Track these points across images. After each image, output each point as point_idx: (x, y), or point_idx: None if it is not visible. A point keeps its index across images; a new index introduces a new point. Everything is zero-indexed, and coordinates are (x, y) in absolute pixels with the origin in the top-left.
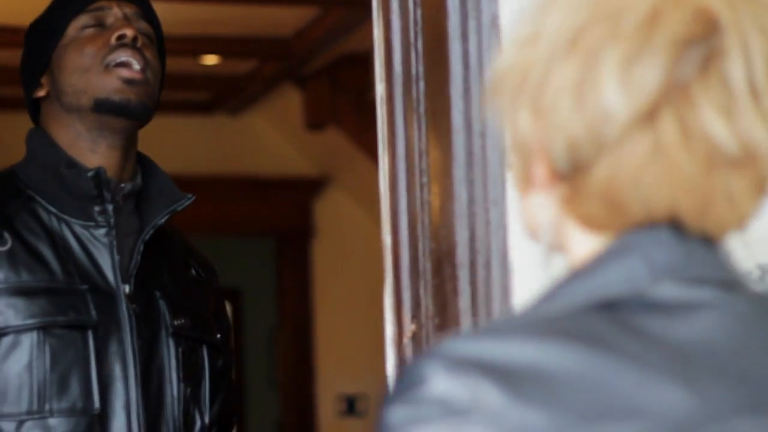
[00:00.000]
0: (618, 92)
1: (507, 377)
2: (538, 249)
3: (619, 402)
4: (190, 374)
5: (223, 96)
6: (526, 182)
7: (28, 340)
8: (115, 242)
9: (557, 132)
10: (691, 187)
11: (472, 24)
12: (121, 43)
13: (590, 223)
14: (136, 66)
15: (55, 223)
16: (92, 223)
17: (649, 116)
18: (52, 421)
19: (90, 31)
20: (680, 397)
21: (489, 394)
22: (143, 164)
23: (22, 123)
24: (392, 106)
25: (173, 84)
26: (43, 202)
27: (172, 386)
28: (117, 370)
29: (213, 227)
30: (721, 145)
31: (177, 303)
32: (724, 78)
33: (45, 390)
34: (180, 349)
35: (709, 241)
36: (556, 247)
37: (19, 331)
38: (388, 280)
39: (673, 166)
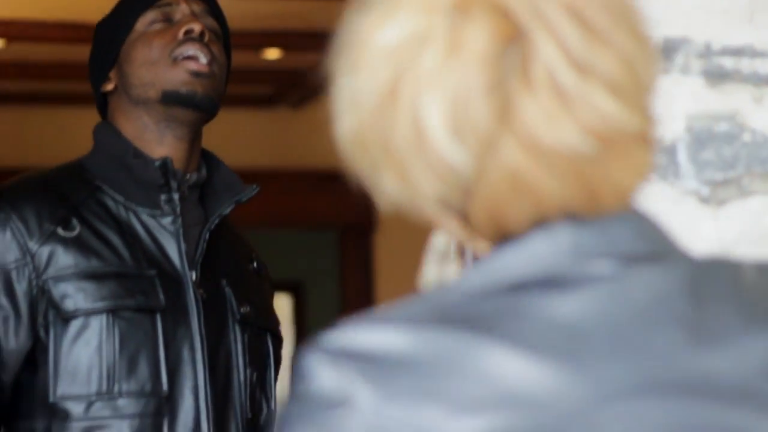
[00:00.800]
0: (451, 140)
1: (381, 370)
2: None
3: (500, 390)
4: (255, 360)
5: (285, 90)
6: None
7: (98, 322)
8: (181, 230)
9: (420, 193)
10: (565, 191)
11: None
12: (189, 38)
13: (489, 235)
14: (203, 59)
15: (122, 211)
16: (159, 212)
17: (491, 147)
18: (121, 402)
19: (158, 26)
20: (568, 380)
21: (362, 389)
22: (206, 159)
23: (90, 117)
24: None
25: (235, 78)
26: (111, 192)
27: (239, 371)
28: (185, 354)
29: (275, 220)
30: (568, 146)
31: (241, 292)
32: (545, 73)
33: (114, 372)
34: (246, 336)
35: (621, 216)
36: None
37: (89, 313)
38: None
39: (537, 185)
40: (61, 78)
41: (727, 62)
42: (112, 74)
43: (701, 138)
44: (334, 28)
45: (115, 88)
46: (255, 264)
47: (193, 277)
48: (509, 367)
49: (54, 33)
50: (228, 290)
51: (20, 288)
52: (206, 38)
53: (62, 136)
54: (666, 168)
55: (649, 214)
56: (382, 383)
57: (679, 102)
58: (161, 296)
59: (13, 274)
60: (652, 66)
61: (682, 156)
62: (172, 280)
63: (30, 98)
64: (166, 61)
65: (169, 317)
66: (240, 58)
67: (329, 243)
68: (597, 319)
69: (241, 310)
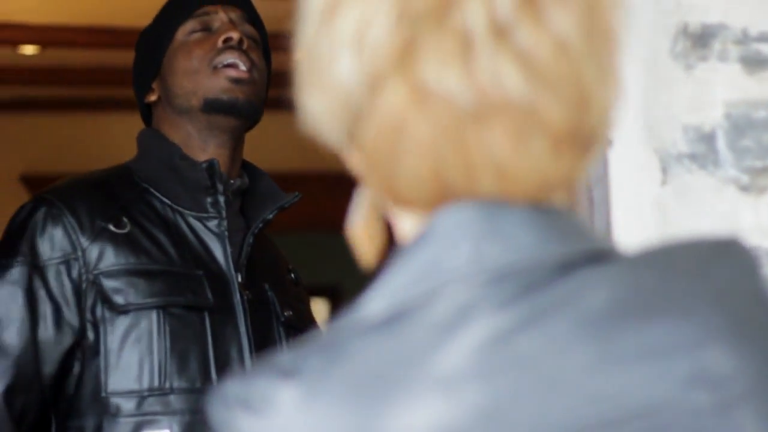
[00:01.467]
0: (351, 62)
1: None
2: (642, 227)
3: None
4: None
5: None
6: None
7: (149, 318)
8: (226, 232)
9: (321, 107)
10: (441, 151)
11: None
12: (228, 46)
13: (393, 198)
14: (243, 67)
15: (169, 213)
16: (205, 214)
17: (383, 82)
18: (173, 398)
19: (197, 35)
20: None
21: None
22: (247, 168)
23: (127, 122)
24: None
25: (272, 81)
26: (158, 194)
27: None
28: (233, 353)
29: (311, 224)
30: (454, 99)
31: (283, 297)
32: (461, 23)
33: (166, 367)
34: (289, 339)
35: (539, 212)
36: (368, 236)
37: (140, 309)
38: None
39: (412, 132)
40: (96, 83)
41: (765, 48)
42: (155, 85)
43: (740, 125)
44: None
45: (159, 98)
46: (292, 275)
47: (239, 279)
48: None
49: (86, 38)
50: (271, 294)
51: (68, 282)
52: (245, 45)
53: (99, 141)
54: (705, 156)
55: (561, 209)
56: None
57: (718, 89)
58: (209, 295)
59: (62, 268)
60: (600, 71)
61: (721, 144)
62: (219, 280)
63: (65, 104)
64: (207, 70)
65: (217, 316)
66: (277, 61)
67: None
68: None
69: (285, 313)
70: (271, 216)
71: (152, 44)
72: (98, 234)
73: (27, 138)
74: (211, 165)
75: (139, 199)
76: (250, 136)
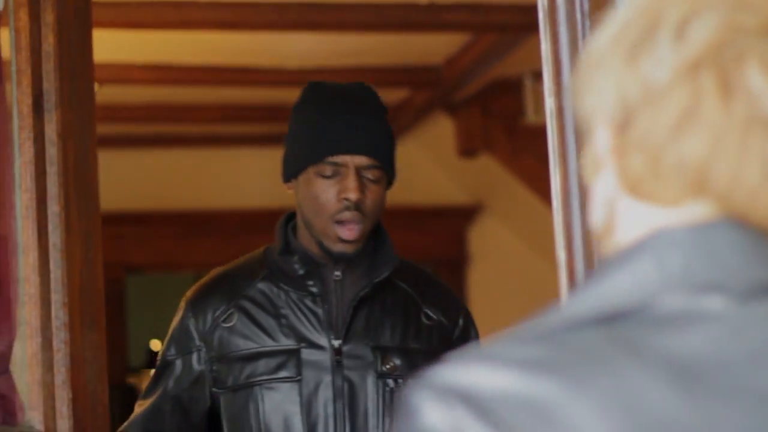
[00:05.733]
0: (669, 45)
1: (488, 410)
2: None
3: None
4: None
5: None
6: (595, 163)
7: (254, 392)
8: (326, 307)
9: (609, 80)
10: (723, 146)
11: None
12: (346, 205)
13: (635, 187)
14: (356, 227)
15: (278, 294)
16: (306, 294)
17: (693, 69)
18: None
19: (323, 181)
20: (680, 418)
21: (470, 428)
22: (377, 232)
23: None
24: (562, 120)
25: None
26: (272, 277)
27: (377, 419)
28: (327, 410)
29: None
30: (760, 103)
31: (392, 349)
32: (747, 94)
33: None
34: (387, 389)
35: (749, 234)
36: (608, 230)
37: (248, 386)
38: (564, 296)
39: (706, 121)
40: (154, 120)
41: None
42: (291, 185)
43: None
44: (415, 63)
45: (295, 195)
46: (424, 317)
47: (336, 346)
48: (626, 408)
49: (144, 75)
50: (372, 351)
51: (199, 365)
52: (362, 204)
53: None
54: None
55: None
56: (493, 424)
57: None
58: (304, 367)
59: (194, 356)
60: None
61: None
62: (316, 349)
63: (133, 141)
64: (324, 217)
65: (311, 383)
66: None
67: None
68: (711, 359)
69: (385, 367)
70: (363, 293)
71: (291, 156)
72: (215, 328)
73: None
74: (301, 258)
75: (253, 286)
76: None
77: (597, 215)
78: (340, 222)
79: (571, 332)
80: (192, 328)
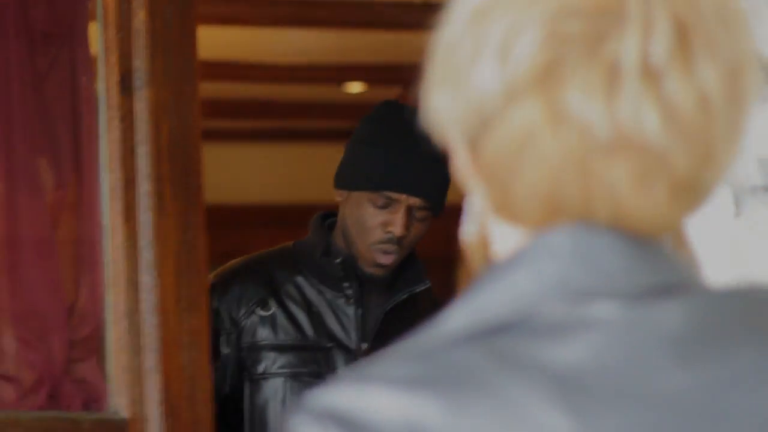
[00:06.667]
0: (495, 71)
1: None
2: (716, 259)
3: None
4: None
5: None
6: (463, 177)
7: (282, 384)
8: (360, 311)
9: (449, 104)
10: (566, 175)
11: None
12: (389, 238)
13: (495, 211)
14: (394, 256)
15: (313, 292)
16: (341, 295)
17: (521, 96)
18: None
19: (374, 210)
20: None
21: None
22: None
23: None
24: None
25: (318, 112)
26: (307, 275)
27: None
28: None
29: None
30: (590, 128)
31: None
32: (613, 56)
33: None
34: None
35: (626, 238)
36: (480, 244)
37: (275, 376)
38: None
39: (538, 150)
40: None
41: None
42: (341, 194)
43: None
44: (418, 61)
45: (342, 202)
46: None
47: (364, 347)
48: (508, 428)
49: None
50: None
51: (227, 349)
52: (404, 240)
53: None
54: None
55: (655, 239)
56: None
57: None
58: (335, 364)
59: (222, 338)
60: (732, 125)
61: None
62: (346, 350)
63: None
64: (365, 240)
65: None
66: (322, 92)
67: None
68: (594, 368)
69: None
70: (401, 298)
71: (347, 171)
72: (249, 314)
73: None
74: (343, 261)
75: (289, 280)
76: (305, 167)
77: (469, 229)
78: (378, 250)
79: (449, 349)
80: (223, 310)
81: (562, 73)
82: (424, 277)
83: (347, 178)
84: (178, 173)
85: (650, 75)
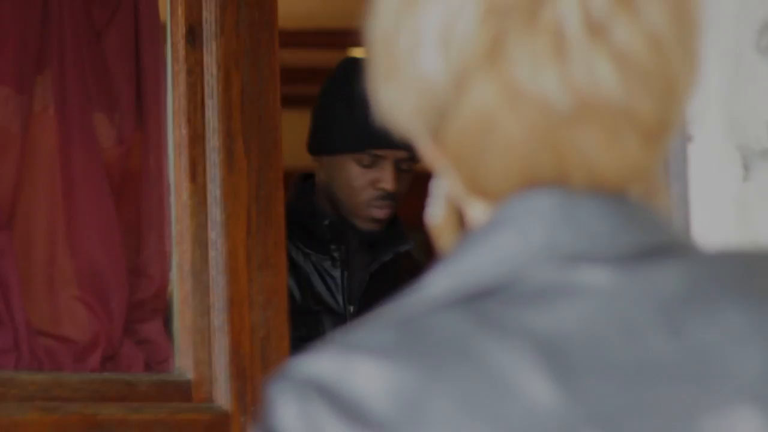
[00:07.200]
0: (436, 58)
1: (346, 402)
2: (723, 223)
3: (469, 426)
4: None
5: None
6: (428, 161)
7: None
8: (346, 273)
9: (400, 101)
10: (531, 150)
11: None
12: (381, 194)
13: (469, 192)
14: (390, 210)
15: (300, 256)
16: (327, 257)
17: (470, 80)
18: None
19: (360, 169)
20: (549, 402)
21: (325, 424)
22: None
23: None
24: None
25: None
26: (294, 239)
27: None
28: None
29: None
30: (548, 101)
31: None
32: (554, 20)
33: None
34: None
35: (610, 200)
36: (447, 224)
37: None
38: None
39: (501, 130)
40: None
41: None
42: (318, 158)
43: None
44: None
45: (321, 165)
46: None
47: (352, 310)
48: (480, 400)
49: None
50: None
51: None
52: (396, 194)
53: None
54: None
55: (641, 200)
56: (350, 417)
57: None
58: (322, 328)
59: None
60: (688, 61)
61: None
62: (334, 313)
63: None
64: (357, 199)
65: None
66: (328, 58)
67: (422, 243)
68: (582, 334)
69: None
70: (387, 258)
71: (322, 135)
72: None
73: None
74: (331, 224)
75: None
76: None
77: (435, 211)
78: (371, 206)
79: (431, 315)
80: None
81: (506, 48)
82: (407, 236)
83: (325, 142)
84: (251, 128)
85: (596, 30)
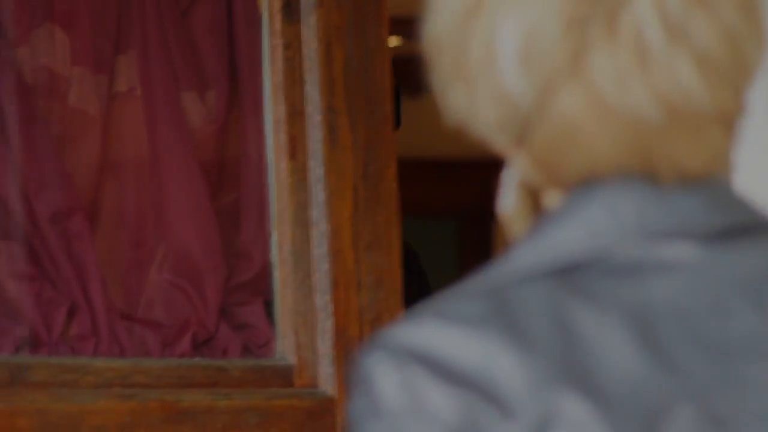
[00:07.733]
0: (518, 72)
1: (443, 368)
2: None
3: (560, 394)
4: None
5: (404, 78)
6: (503, 154)
7: None
8: None
9: (480, 115)
10: (618, 154)
11: None
12: None
13: (547, 183)
14: None
15: None
16: None
17: (555, 89)
18: None
19: None
20: (642, 373)
21: (428, 391)
22: None
23: None
24: None
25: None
26: None
27: None
28: None
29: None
30: (637, 112)
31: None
32: (633, 26)
33: None
34: None
35: (704, 184)
36: (520, 214)
37: None
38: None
39: (589, 140)
40: None
41: None
42: None
43: None
44: None
45: None
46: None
47: None
48: (583, 364)
49: None
50: None
51: None
52: None
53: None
54: None
55: (725, 182)
56: (449, 382)
57: None
58: None
59: None
60: (758, 48)
61: None
62: None
63: None
64: None
65: None
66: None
67: (449, 232)
68: (672, 309)
69: None
70: None
71: None
72: None
73: None
74: None
75: None
76: None
77: (508, 198)
78: None
79: (522, 286)
80: None
81: (589, 59)
82: None
83: None
84: (357, 103)
85: (675, 33)
